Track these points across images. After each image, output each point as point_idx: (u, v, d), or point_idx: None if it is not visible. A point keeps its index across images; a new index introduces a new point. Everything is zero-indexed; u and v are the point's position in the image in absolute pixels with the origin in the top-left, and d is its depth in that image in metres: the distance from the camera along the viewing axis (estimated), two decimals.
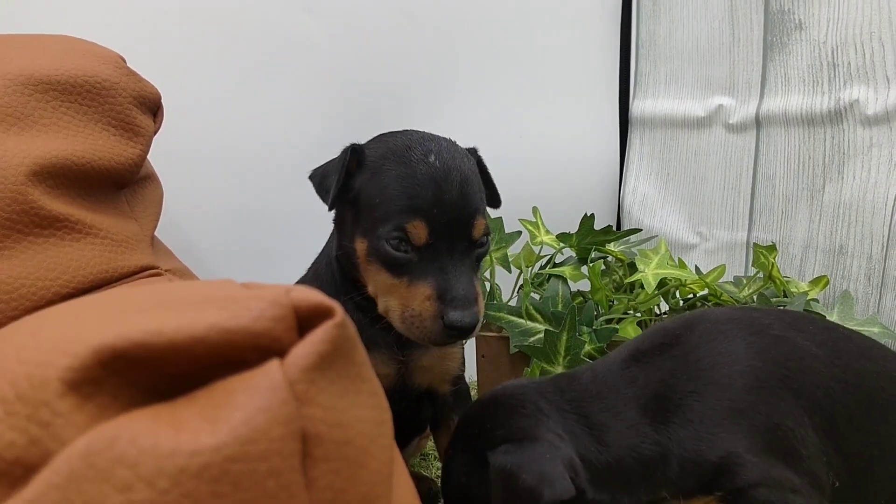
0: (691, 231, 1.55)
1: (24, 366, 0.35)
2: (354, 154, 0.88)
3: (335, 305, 0.41)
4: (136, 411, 0.35)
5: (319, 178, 0.90)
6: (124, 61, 0.92)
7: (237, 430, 0.35)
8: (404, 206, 0.82)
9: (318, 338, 0.39)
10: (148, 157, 0.99)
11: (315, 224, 1.48)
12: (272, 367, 0.37)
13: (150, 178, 0.96)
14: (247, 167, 1.41)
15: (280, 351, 0.39)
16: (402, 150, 0.87)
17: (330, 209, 0.89)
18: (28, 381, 0.34)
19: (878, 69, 1.23)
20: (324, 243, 1.06)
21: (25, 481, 0.33)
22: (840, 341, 0.84)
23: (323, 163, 0.94)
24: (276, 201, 1.43)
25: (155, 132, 0.92)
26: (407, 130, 0.94)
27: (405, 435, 1.06)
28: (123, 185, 0.88)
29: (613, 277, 1.31)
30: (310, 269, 1.03)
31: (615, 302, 1.23)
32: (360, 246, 0.87)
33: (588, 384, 0.81)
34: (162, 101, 0.94)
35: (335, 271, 0.95)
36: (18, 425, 0.34)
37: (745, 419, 0.76)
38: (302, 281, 1.01)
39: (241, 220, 1.44)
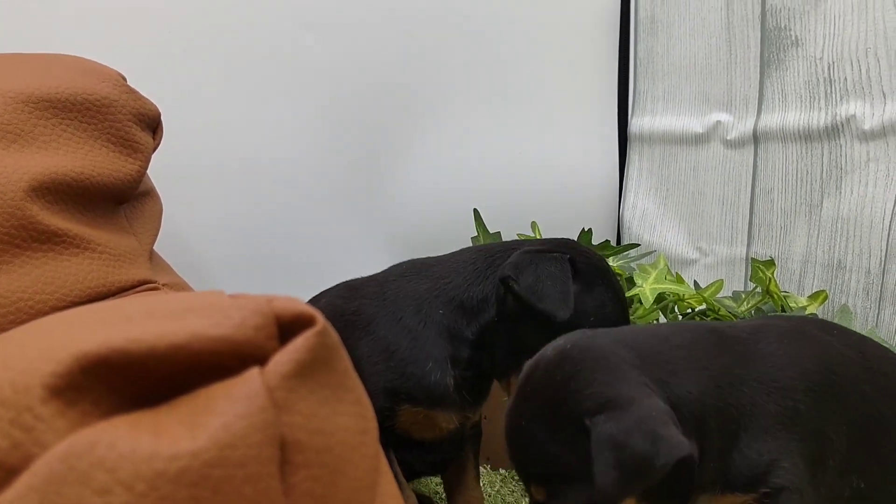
0: (691, 246, 1.55)
1: (9, 372, 0.36)
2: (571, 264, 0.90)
3: (316, 314, 0.42)
4: (117, 417, 0.36)
5: (535, 279, 0.88)
6: (124, 79, 0.93)
7: (216, 435, 0.35)
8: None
9: (298, 346, 0.40)
10: (148, 173, 1.01)
11: (314, 240, 1.49)
12: (252, 374, 0.38)
13: (149, 194, 0.97)
14: (246, 183, 1.43)
15: (261, 359, 0.40)
16: (605, 269, 0.94)
17: (563, 317, 0.87)
18: (11, 386, 0.35)
19: (874, 84, 1.23)
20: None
21: (6, 484, 0.33)
22: (862, 344, 0.84)
23: (521, 252, 0.92)
24: (276, 217, 1.44)
25: (154, 148, 0.94)
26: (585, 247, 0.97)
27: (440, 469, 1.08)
28: (122, 201, 0.89)
29: None
30: (392, 330, 0.96)
31: None
32: None
33: (664, 335, 0.76)
34: (161, 118, 0.95)
35: (455, 328, 0.93)
36: (1, 429, 0.34)
37: (802, 422, 0.75)
38: (390, 342, 0.95)
39: (240, 236, 1.45)
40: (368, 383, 0.88)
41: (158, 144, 0.95)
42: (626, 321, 0.96)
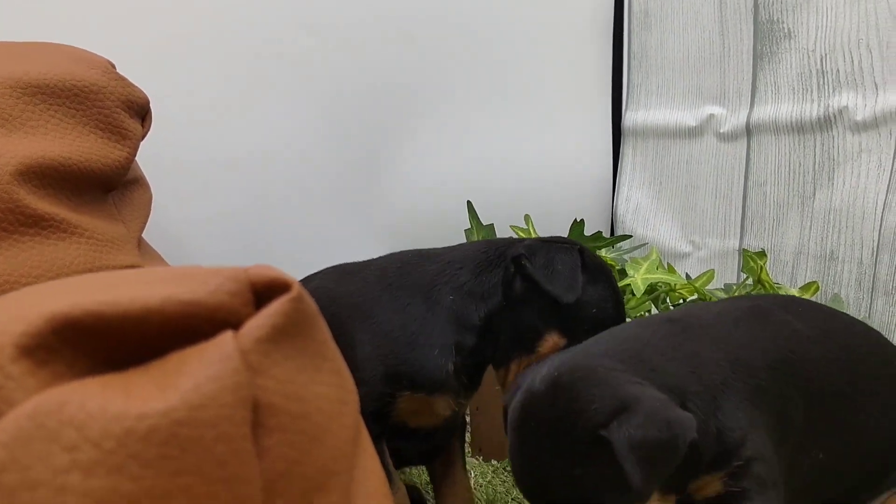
0: (684, 240, 1.55)
1: None
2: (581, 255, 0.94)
3: (292, 281, 0.41)
4: (88, 379, 0.36)
5: (546, 262, 0.91)
6: (113, 66, 0.93)
7: (187, 395, 0.35)
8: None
9: (272, 311, 0.40)
10: (138, 162, 1.00)
11: (310, 235, 1.49)
12: (225, 337, 0.38)
13: (138, 182, 0.97)
14: (242, 179, 1.43)
15: (236, 324, 0.40)
16: (609, 270, 0.98)
17: (569, 300, 0.90)
18: None
19: (866, 75, 1.24)
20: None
21: None
22: (827, 321, 0.88)
23: (534, 239, 0.96)
24: (271, 212, 1.44)
25: (143, 136, 0.93)
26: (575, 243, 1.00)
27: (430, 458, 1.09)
28: (111, 188, 0.89)
29: None
30: (397, 313, 0.95)
31: None
32: (552, 339, 0.92)
33: (632, 336, 0.80)
34: (150, 105, 0.95)
35: (463, 314, 0.94)
36: None
37: (766, 398, 0.78)
38: (394, 330, 0.95)
39: (235, 231, 1.45)
40: (368, 368, 0.90)
41: (147, 132, 0.94)
42: (623, 319, 0.98)
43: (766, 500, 0.76)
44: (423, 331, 0.92)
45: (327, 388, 0.43)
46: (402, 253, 1.03)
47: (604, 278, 0.95)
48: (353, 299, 0.96)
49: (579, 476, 0.70)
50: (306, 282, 1.03)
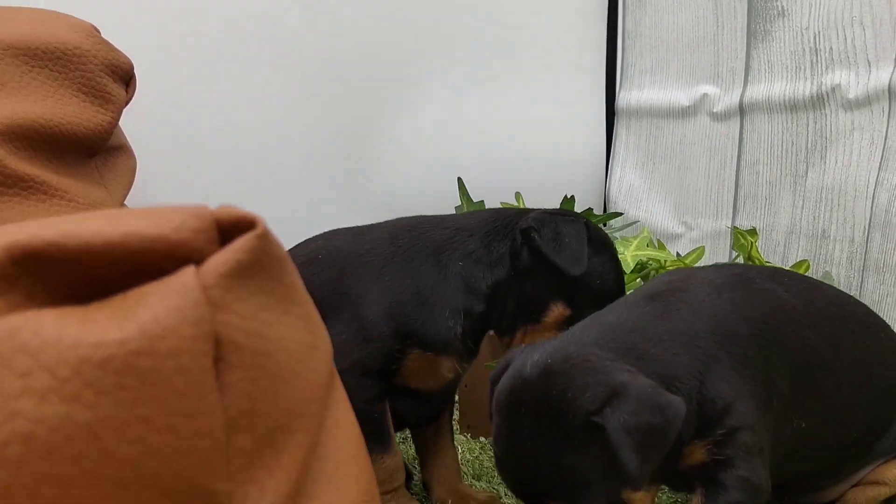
0: (676, 221, 1.55)
1: None
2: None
3: (258, 219, 0.41)
4: (46, 309, 0.35)
5: (554, 234, 0.93)
6: (97, 31, 0.92)
7: (145, 326, 0.35)
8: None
9: (236, 247, 0.39)
10: (124, 131, 1.00)
11: (298, 205, 1.48)
12: (187, 271, 0.37)
13: (122, 149, 0.96)
14: (229, 150, 1.42)
15: (199, 261, 0.39)
16: (612, 243, 1.01)
17: (576, 273, 0.93)
18: None
19: (859, 53, 1.23)
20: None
21: None
22: (812, 291, 0.89)
23: (541, 211, 0.97)
24: (259, 183, 1.44)
25: (127, 101, 0.93)
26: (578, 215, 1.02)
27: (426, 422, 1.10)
28: (94, 152, 0.88)
29: None
30: (404, 277, 0.97)
31: None
32: (557, 309, 0.95)
33: (619, 322, 0.80)
34: (135, 70, 0.94)
35: (472, 281, 0.96)
36: None
37: (751, 367, 0.79)
38: (400, 290, 0.96)
39: (220, 201, 1.44)
40: (380, 326, 0.92)
41: (131, 98, 0.94)
42: (623, 292, 1.00)
43: (751, 467, 0.76)
44: (434, 293, 0.94)
45: (295, 332, 0.43)
46: (410, 217, 1.05)
47: (607, 251, 0.98)
48: (364, 258, 0.97)
49: (569, 464, 0.70)
50: (309, 241, 1.04)
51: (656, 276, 0.96)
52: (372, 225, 1.04)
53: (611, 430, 0.67)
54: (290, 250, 1.02)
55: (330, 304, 0.92)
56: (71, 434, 0.33)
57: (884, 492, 0.93)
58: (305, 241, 1.04)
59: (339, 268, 0.96)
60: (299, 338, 0.43)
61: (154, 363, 0.34)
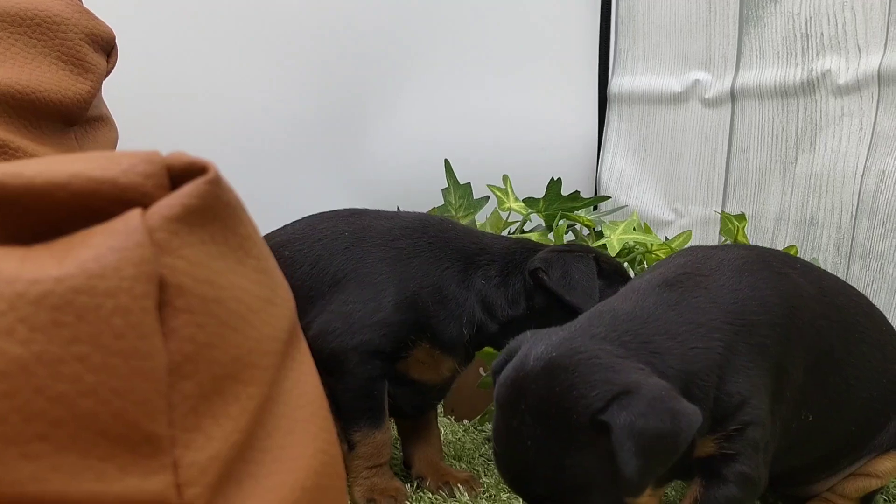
0: (667, 208, 1.54)
1: None
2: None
3: (210, 164, 0.40)
4: None
5: (563, 273, 0.95)
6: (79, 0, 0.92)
7: (85, 264, 0.34)
8: None
9: (185, 191, 0.38)
10: (105, 101, 0.99)
11: (285, 184, 1.48)
12: (132, 213, 0.37)
13: (103, 120, 0.95)
14: (217, 130, 1.41)
15: (148, 205, 0.38)
16: (625, 272, 1.02)
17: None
18: None
19: (849, 38, 1.22)
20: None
21: None
22: (822, 279, 0.87)
23: (548, 249, 0.99)
24: (245, 161, 1.43)
25: (108, 72, 0.92)
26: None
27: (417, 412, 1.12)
28: (73, 122, 0.87)
29: None
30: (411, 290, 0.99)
31: None
32: None
33: (632, 312, 0.75)
34: (116, 41, 0.93)
35: (490, 305, 0.99)
36: None
37: (770, 357, 0.76)
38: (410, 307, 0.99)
39: None
40: (400, 311, 0.95)
41: (112, 68, 0.93)
42: None
43: (753, 463, 0.74)
44: (455, 297, 0.98)
45: (248, 283, 0.42)
46: (439, 217, 1.09)
47: (620, 281, 0.98)
48: (395, 243, 0.99)
49: (570, 464, 0.66)
50: (324, 218, 1.05)
51: (671, 257, 0.91)
52: (399, 212, 1.08)
53: (615, 429, 0.63)
54: (306, 223, 1.03)
55: (352, 278, 0.96)
56: (3, 369, 0.32)
57: (874, 484, 0.91)
58: (318, 216, 1.06)
59: (367, 246, 0.99)
60: (253, 290, 0.43)
61: (92, 301, 0.34)
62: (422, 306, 0.97)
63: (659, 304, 0.76)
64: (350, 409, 0.96)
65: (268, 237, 1.05)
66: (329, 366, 0.94)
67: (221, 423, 0.39)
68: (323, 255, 0.98)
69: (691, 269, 0.81)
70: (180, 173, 0.40)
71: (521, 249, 1.01)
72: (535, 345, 0.72)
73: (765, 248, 0.94)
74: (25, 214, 0.37)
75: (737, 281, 0.79)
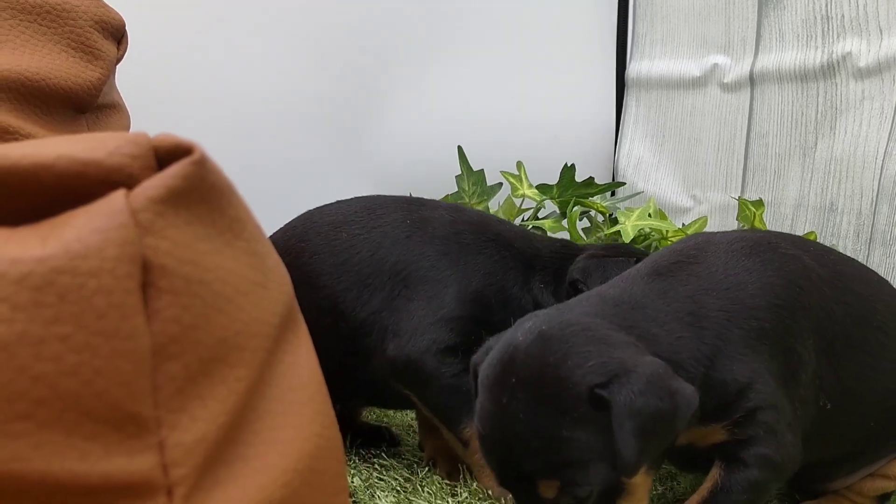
0: (685, 194, 1.52)
1: None
2: None
3: (196, 145, 0.40)
4: None
5: (604, 279, 0.93)
6: None
7: (67, 245, 0.34)
8: None
9: (169, 173, 0.38)
10: (118, 88, 1.00)
11: (297, 171, 1.48)
12: (116, 195, 0.37)
13: (115, 107, 0.96)
14: (230, 113, 1.42)
15: (133, 187, 0.38)
16: None
17: None
18: None
19: (871, 20, 1.19)
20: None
21: None
22: (839, 264, 0.83)
23: (589, 254, 0.99)
24: (257, 148, 1.43)
25: (119, 59, 0.93)
26: None
27: None
28: (83, 109, 0.88)
29: (598, 234, 1.30)
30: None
31: None
32: None
33: (622, 298, 0.74)
34: (126, 28, 0.94)
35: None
36: None
37: (769, 340, 0.74)
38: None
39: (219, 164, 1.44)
40: (464, 306, 0.95)
41: (123, 55, 0.94)
42: None
43: (775, 444, 0.72)
44: (514, 296, 0.98)
45: (237, 265, 0.42)
46: (493, 216, 1.09)
47: None
48: (460, 238, 0.99)
49: (566, 439, 0.64)
50: (385, 203, 1.04)
51: (674, 244, 0.90)
52: (455, 205, 1.07)
53: (615, 407, 0.62)
54: (362, 206, 1.02)
55: (413, 271, 0.96)
56: None
57: (892, 486, 0.89)
58: (374, 199, 1.04)
59: (428, 238, 0.98)
60: (242, 272, 0.43)
61: (75, 281, 0.34)
62: (485, 304, 0.96)
63: (647, 291, 0.75)
64: (447, 411, 0.94)
65: (321, 213, 1.03)
66: (410, 378, 0.94)
67: (208, 404, 0.39)
68: (383, 243, 0.97)
69: (686, 257, 0.80)
70: (167, 154, 0.40)
71: (568, 255, 1.01)
72: (521, 323, 0.71)
73: (775, 231, 0.93)
74: (12, 196, 0.37)
75: (733, 265, 0.77)
